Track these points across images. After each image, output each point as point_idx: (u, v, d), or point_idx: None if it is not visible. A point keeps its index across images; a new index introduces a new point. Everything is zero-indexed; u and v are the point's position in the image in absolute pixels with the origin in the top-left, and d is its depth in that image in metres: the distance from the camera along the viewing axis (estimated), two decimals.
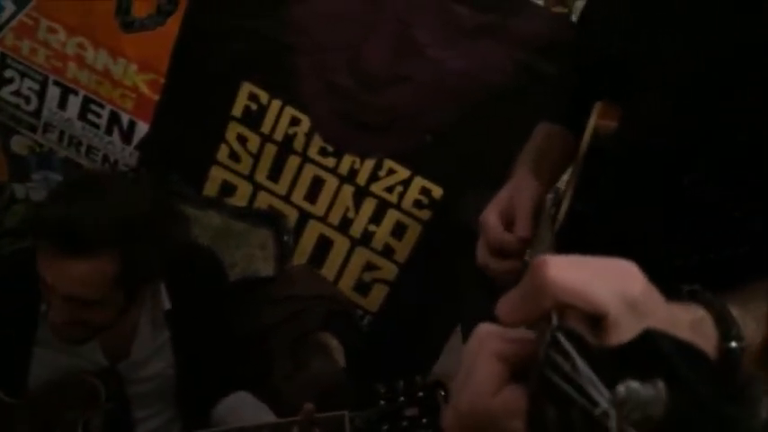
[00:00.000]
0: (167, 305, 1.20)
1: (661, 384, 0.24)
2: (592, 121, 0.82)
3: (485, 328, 0.40)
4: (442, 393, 1.19)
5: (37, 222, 1.05)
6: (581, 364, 0.29)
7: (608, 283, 0.35)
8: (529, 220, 0.86)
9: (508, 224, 0.88)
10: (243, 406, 1.27)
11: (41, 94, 1.98)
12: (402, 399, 1.18)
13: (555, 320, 0.34)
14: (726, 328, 0.43)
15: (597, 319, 0.34)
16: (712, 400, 0.23)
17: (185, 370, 1.23)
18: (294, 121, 1.82)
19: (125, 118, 1.95)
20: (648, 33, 0.71)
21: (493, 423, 0.37)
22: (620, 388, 0.25)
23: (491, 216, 0.88)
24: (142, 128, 1.95)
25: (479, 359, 0.39)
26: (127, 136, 1.97)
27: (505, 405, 0.37)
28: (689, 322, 0.40)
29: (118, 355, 1.20)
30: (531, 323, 0.37)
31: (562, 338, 0.32)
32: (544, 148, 0.97)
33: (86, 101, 1.96)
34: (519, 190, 0.90)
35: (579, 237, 0.78)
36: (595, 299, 0.34)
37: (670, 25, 0.68)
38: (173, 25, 1.83)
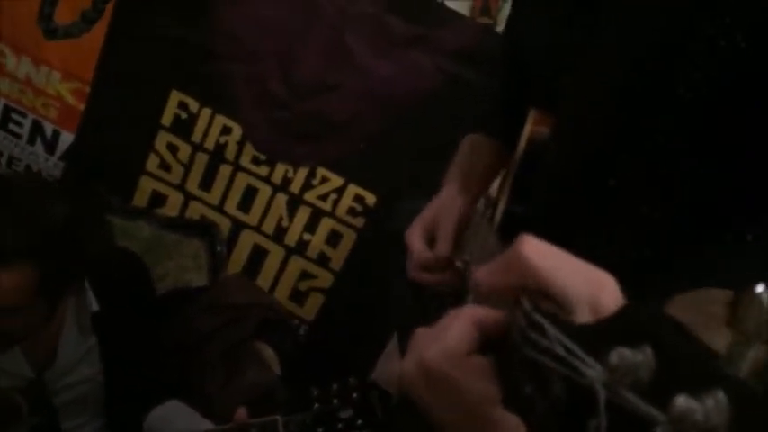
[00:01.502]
0: (95, 307, 1.17)
1: (648, 349, 0.26)
2: (527, 128, 0.86)
3: (470, 306, 0.41)
4: (377, 394, 1.19)
5: None
6: (563, 338, 0.30)
7: (583, 282, 0.36)
8: (449, 240, 0.90)
9: (432, 241, 0.91)
10: (175, 414, 1.24)
11: None
12: (336, 401, 1.18)
13: (527, 302, 0.34)
14: None
15: (561, 310, 0.35)
16: (696, 359, 0.25)
17: (113, 377, 1.20)
18: (225, 130, 1.80)
19: (48, 128, 1.89)
20: (573, 41, 0.73)
21: (457, 381, 0.38)
22: (613, 355, 0.26)
23: (414, 236, 0.92)
24: (67, 138, 1.89)
25: (456, 320, 0.40)
26: (50, 146, 1.90)
27: (475, 367, 0.38)
28: None
29: (43, 362, 1.15)
30: (503, 296, 0.38)
31: (538, 317, 0.32)
32: (472, 160, 1.00)
33: (7, 110, 1.89)
34: (443, 209, 0.93)
35: (515, 237, 0.81)
36: (568, 290, 0.35)
37: (594, 33, 0.70)
38: (98, 32, 1.79)
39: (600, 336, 0.28)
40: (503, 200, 0.94)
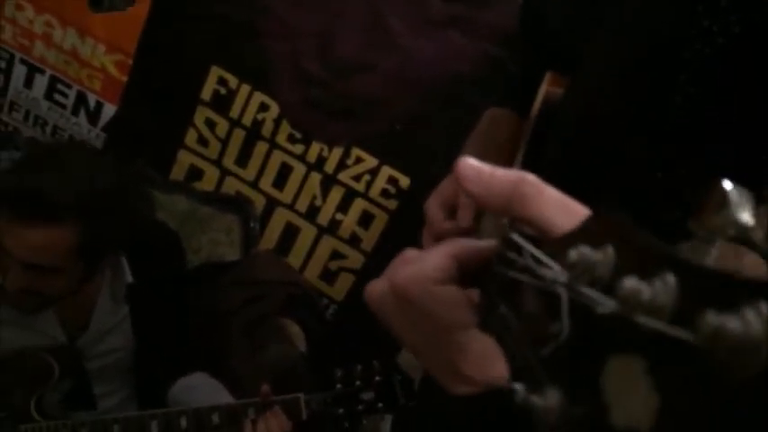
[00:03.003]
0: (129, 279, 1.19)
1: (610, 248, 0.25)
2: (542, 88, 0.84)
3: (455, 239, 0.40)
4: (399, 378, 1.19)
5: None
6: (534, 250, 0.29)
7: (566, 217, 0.34)
8: (470, 210, 0.87)
9: (451, 213, 0.89)
10: (200, 387, 1.27)
11: (8, 73, 1.95)
12: (358, 383, 1.19)
13: (508, 225, 0.34)
14: None
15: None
16: (652, 250, 0.24)
17: (143, 347, 1.22)
18: (263, 107, 1.81)
19: (92, 99, 1.93)
20: (591, 10, 0.72)
21: (426, 306, 0.36)
22: (572, 252, 0.25)
23: (433, 206, 0.89)
24: (109, 109, 1.92)
25: (434, 251, 0.39)
26: (93, 117, 1.94)
27: (446, 294, 0.36)
28: None
29: (77, 327, 1.19)
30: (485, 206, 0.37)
31: (516, 237, 0.32)
32: (490, 133, 0.98)
33: (53, 80, 1.93)
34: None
35: None
36: (553, 222, 0.34)
37: (610, 4, 0.69)
38: (142, 6, 1.81)
39: (565, 241, 0.28)
40: (517, 162, 0.92)
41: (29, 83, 1.95)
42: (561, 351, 0.25)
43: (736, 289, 0.19)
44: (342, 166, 1.80)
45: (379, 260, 1.84)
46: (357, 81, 1.73)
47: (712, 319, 0.18)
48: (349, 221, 1.83)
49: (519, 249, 0.31)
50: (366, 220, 1.82)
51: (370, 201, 1.80)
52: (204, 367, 1.31)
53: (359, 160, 1.79)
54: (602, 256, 0.24)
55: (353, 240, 1.84)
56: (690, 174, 0.62)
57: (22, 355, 1.15)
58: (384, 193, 1.79)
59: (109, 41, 1.86)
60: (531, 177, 0.36)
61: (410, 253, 0.41)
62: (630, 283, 0.22)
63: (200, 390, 1.27)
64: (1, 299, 1.10)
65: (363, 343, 1.80)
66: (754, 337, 0.17)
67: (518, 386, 0.27)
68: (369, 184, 1.79)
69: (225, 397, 1.27)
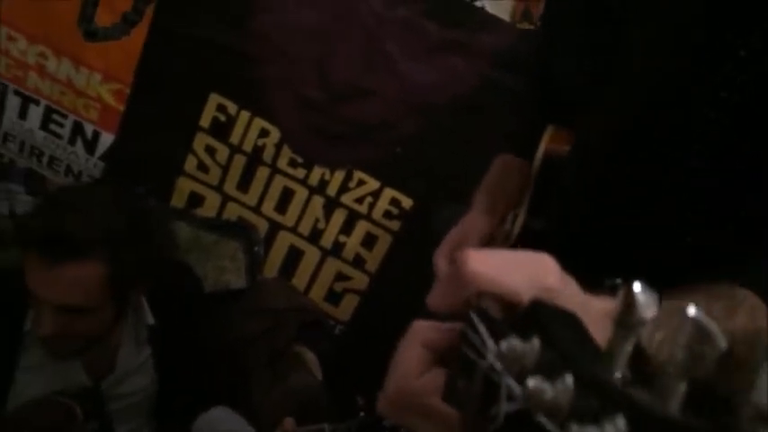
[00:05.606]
0: (150, 320, 1.20)
1: (536, 341, 0.28)
2: (543, 145, 0.87)
3: (417, 323, 0.44)
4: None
5: (23, 233, 1.05)
6: (485, 335, 0.33)
7: (523, 272, 0.39)
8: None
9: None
10: (222, 420, 1.28)
11: (1, 104, 1.93)
12: None
13: (473, 306, 0.38)
14: None
15: (514, 306, 0.38)
16: (577, 355, 0.27)
17: (166, 385, 1.23)
18: (263, 133, 1.82)
19: (89, 128, 1.92)
20: (600, 59, 0.73)
21: (415, 402, 0.41)
22: (502, 343, 0.29)
23: (440, 259, 0.93)
24: (106, 138, 1.92)
25: (407, 347, 0.43)
26: (90, 146, 1.93)
27: (426, 384, 0.41)
28: (602, 310, 0.44)
29: (101, 372, 1.19)
30: (457, 311, 0.41)
31: (475, 317, 0.35)
32: (500, 179, 1.00)
33: (48, 111, 1.92)
34: (467, 231, 0.94)
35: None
36: (510, 285, 0.38)
37: (623, 51, 0.71)
38: (138, 35, 1.81)
39: (507, 330, 0.31)
40: (521, 215, 0.95)
41: (23, 114, 1.93)
42: None
43: (607, 401, 0.23)
44: (344, 188, 1.82)
45: (383, 280, 1.86)
46: (357, 105, 1.75)
47: (575, 429, 0.22)
48: (352, 243, 1.85)
49: (476, 330, 0.35)
50: (369, 241, 1.84)
51: (373, 222, 1.83)
52: (224, 401, 1.32)
53: (361, 183, 1.81)
54: (528, 348, 0.29)
55: (358, 262, 1.87)
56: (703, 228, 0.64)
57: (47, 400, 1.15)
58: (387, 214, 1.82)
59: (105, 70, 1.85)
60: (475, 257, 0.40)
61: (393, 360, 0.45)
62: (534, 382, 0.26)
63: (222, 424, 1.28)
64: (32, 344, 1.10)
65: (370, 361, 1.83)
66: None
67: None
68: (371, 206, 1.82)
69: (247, 430, 1.28)
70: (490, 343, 0.32)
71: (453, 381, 0.38)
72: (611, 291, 0.48)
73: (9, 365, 1.14)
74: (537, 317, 0.31)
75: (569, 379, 0.25)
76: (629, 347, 0.27)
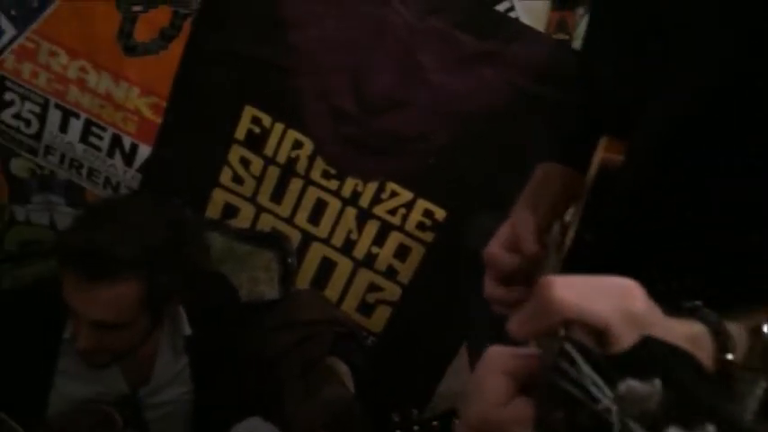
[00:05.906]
0: (187, 330, 1.22)
1: (657, 382, 0.27)
2: (598, 155, 0.85)
3: (494, 349, 0.43)
4: (457, 422, 1.20)
5: (62, 250, 1.07)
6: (586, 368, 0.32)
7: (609, 299, 0.38)
8: (533, 241, 0.89)
9: (512, 252, 0.90)
10: (256, 431, 1.28)
11: (42, 117, 1.98)
12: (417, 428, 1.20)
13: (563, 333, 0.37)
14: (722, 341, 0.46)
15: (601, 333, 0.37)
16: (704, 396, 0.26)
17: (202, 395, 1.24)
18: (297, 144, 1.83)
19: (127, 141, 1.95)
20: (643, 69, 0.73)
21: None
22: (622, 386, 0.28)
23: (494, 247, 0.91)
24: (144, 151, 1.95)
25: (488, 375, 0.42)
26: (129, 159, 1.97)
27: (515, 414, 0.40)
28: (687, 335, 0.43)
29: (139, 380, 1.21)
30: (539, 339, 0.41)
31: (569, 347, 0.35)
32: (542, 189, 0.98)
33: (88, 124, 1.96)
34: (519, 222, 0.93)
35: (586, 264, 0.81)
36: (598, 314, 0.37)
37: (664, 60, 0.70)
38: (175, 49, 1.84)
39: (617, 366, 0.31)
40: (573, 226, 0.93)
41: (64, 127, 1.98)
42: None
43: None
44: (377, 200, 1.82)
45: (416, 291, 1.86)
46: (390, 117, 1.76)
47: None
48: (385, 254, 1.85)
49: (572, 361, 0.34)
50: (402, 252, 1.84)
51: (406, 233, 1.82)
52: (258, 411, 1.32)
53: (394, 194, 1.81)
54: (650, 390, 0.27)
55: (390, 273, 1.86)
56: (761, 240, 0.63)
57: (88, 407, 1.18)
58: (420, 225, 1.81)
59: (143, 84, 1.89)
60: (560, 285, 0.39)
61: (469, 386, 0.44)
62: None
63: None
64: (71, 351, 1.12)
65: (403, 373, 1.82)
66: None
67: None
68: (404, 218, 1.81)
69: None
70: (600, 382, 0.31)
71: (548, 412, 0.36)
72: (690, 313, 0.47)
73: (49, 370, 1.17)
74: (651, 355, 0.31)
75: (711, 428, 0.24)
76: (758, 391, 0.26)
